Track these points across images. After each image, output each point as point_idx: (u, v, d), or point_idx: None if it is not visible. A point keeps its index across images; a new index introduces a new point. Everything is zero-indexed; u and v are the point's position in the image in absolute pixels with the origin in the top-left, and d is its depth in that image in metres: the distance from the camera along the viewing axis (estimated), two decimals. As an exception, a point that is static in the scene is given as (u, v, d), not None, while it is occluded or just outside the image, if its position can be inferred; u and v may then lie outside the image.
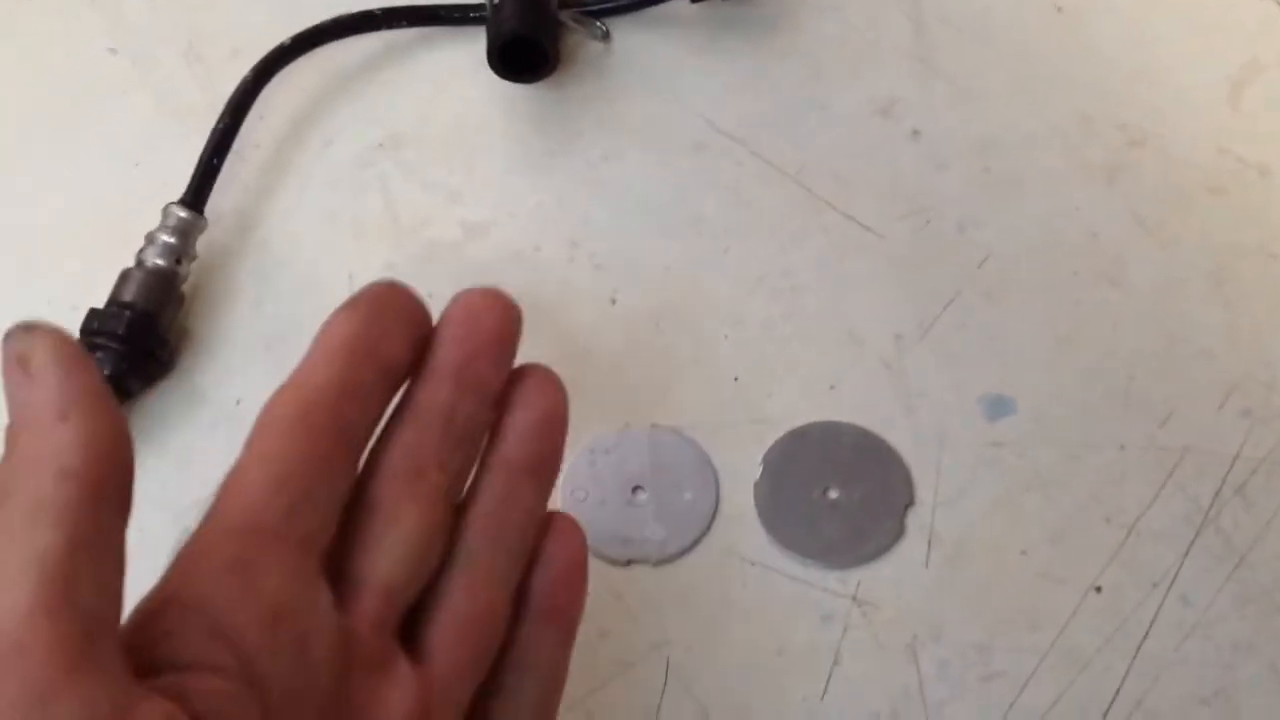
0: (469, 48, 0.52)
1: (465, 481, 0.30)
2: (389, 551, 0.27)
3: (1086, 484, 0.43)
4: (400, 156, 0.50)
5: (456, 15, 0.52)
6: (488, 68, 0.49)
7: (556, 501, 0.43)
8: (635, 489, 0.43)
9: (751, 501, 0.43)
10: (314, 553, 0.25)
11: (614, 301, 0.47)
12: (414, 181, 0.50)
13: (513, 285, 0.47)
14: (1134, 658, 0.40)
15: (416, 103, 0.52)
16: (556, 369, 0.46)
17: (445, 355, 0.29)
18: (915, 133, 0.50)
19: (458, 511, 0.29)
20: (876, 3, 0.53)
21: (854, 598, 0.41)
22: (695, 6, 0.52)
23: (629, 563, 0.42)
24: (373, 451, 0.28)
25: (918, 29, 0.52)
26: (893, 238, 0.48)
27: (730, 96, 0.51)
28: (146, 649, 0.23)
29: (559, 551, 0.30)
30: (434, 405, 0.29)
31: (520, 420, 0.30)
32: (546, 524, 0.31)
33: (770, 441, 0.44)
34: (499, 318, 0.30)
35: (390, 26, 0.52)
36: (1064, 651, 0.40)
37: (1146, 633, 0.40)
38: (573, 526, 0.31)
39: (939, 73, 0.51)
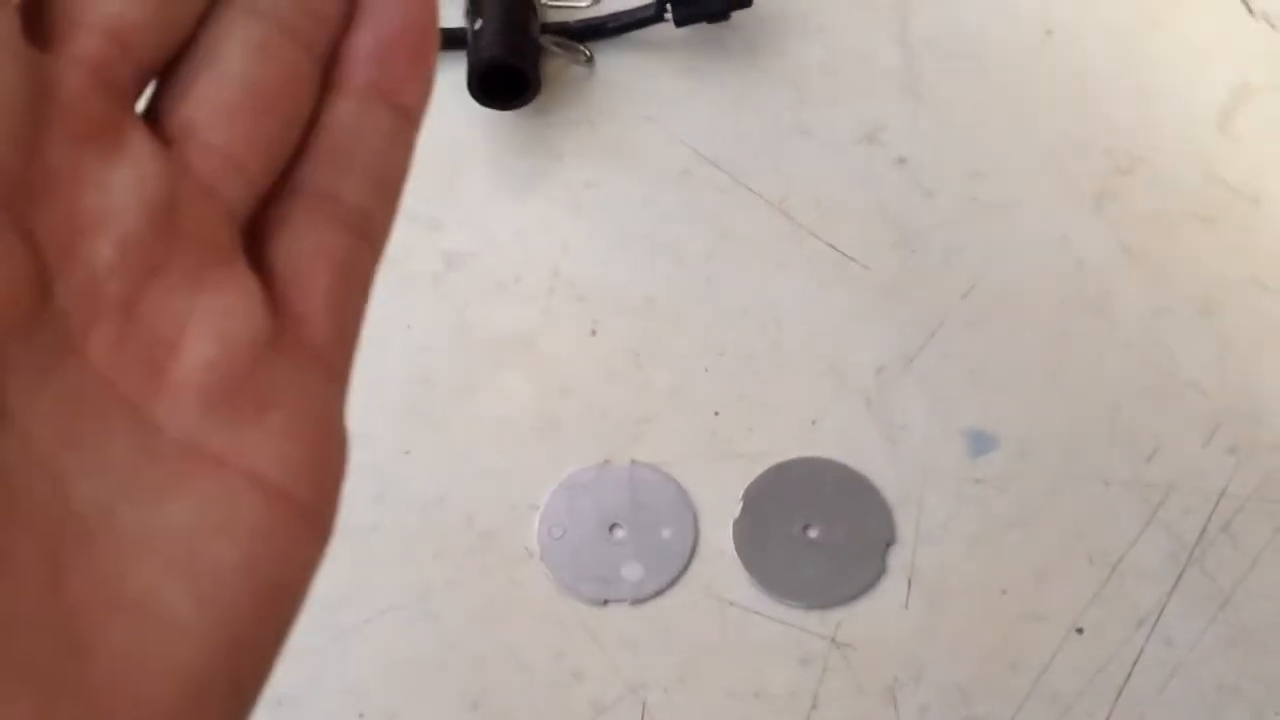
0: (449, 73, 0.51)
1: None
2: None
3: (1069, 521, 0.42)
4: (380, 183, 0.50)
5: (437, 40, 0.52)
6: (468, 93, 0.48)
7: (531, 538, 0.42)
8: (613, 526, 0.42)
9: (731, 539, 0.42)
10: None
11: (594, 333, 0.46)
12: (394, 209, 0.49)
13: (494, 316, 0.48)
14: (1116, 700, 0.40)
15: (397, 128, 0.51)
16: (536, 402, 0.46)
17: None
18: (901, 160, 0.50)
19: None
20: (863, 26, 0.53)
21: (833, 639, 0.41)
22: (680, 30, 0.51)
23: (605, 602, 0.41)
24: None
25: (905, 53, 0.52)
26: (877, 267, 0.47)
27: (714, 122, 0.51)
28: None
29: (390, 6, 0.22)
30: None
31: None
32: None
33: (751, 477, 0.43)
34: None
35: (371, 51, 0.51)
36: (1045, 694, 0.40)
37: (1129, 674, 0.40)
38: None
39: (925, 98, 0.51)
